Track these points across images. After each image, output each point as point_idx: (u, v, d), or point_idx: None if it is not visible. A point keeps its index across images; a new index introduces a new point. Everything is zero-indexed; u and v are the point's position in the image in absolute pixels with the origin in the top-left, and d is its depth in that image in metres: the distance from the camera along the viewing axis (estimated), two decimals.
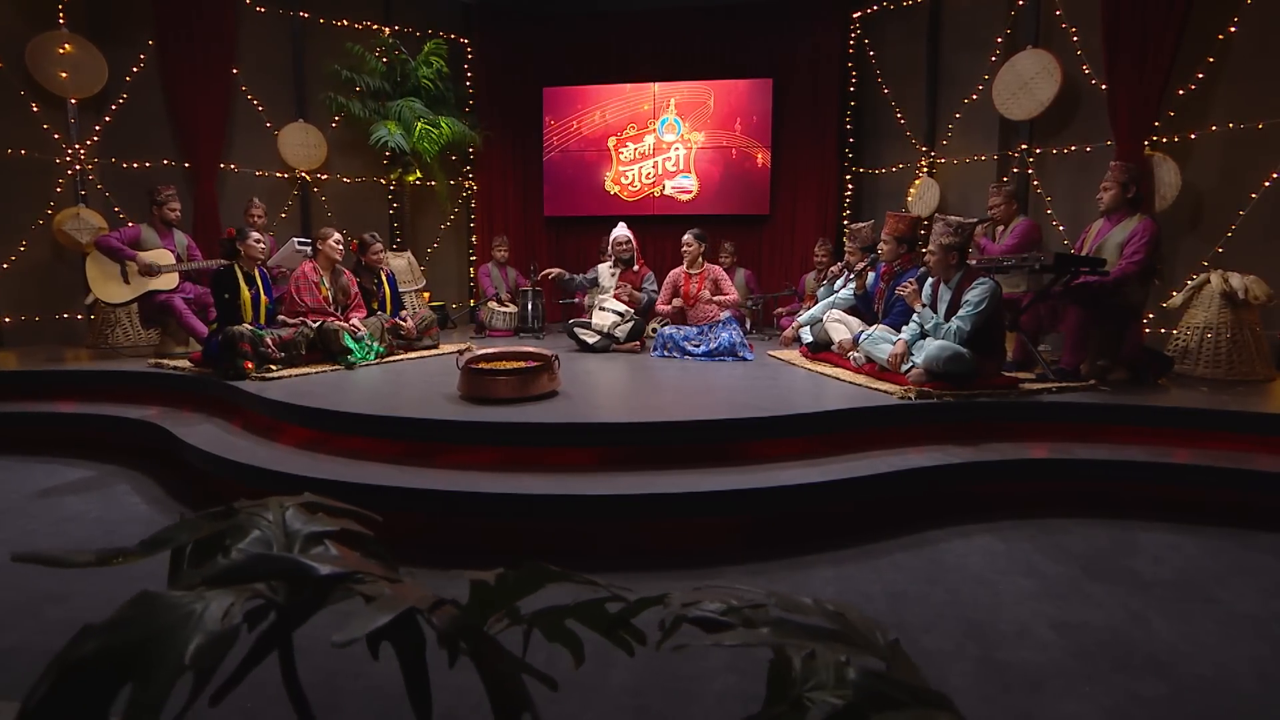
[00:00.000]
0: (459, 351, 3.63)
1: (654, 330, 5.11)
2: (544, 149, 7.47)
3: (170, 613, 0.45)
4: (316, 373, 3.92)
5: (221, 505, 0.70)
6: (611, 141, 7.38)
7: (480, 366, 3.23)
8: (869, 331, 3.87)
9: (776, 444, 2.86)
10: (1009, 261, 3.79)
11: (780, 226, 7.31)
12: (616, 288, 5.31)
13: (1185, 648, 1.81)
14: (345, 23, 6.69)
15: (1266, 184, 4.25)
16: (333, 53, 6.50)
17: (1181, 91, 4.55)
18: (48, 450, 3.58)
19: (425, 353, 4.88)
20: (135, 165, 5.85)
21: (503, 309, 6.32)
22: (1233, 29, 4.36)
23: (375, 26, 6.80)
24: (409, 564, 2.23)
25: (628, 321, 5.09)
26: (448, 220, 7.55)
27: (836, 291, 4.67)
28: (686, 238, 5.09)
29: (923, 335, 3.54)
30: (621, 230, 5.49)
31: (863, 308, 4.49)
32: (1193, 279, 4.18)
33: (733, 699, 1.58)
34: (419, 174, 6.87)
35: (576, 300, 6.14)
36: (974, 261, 3.65)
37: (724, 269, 5.55)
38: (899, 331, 3.72)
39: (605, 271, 5.50)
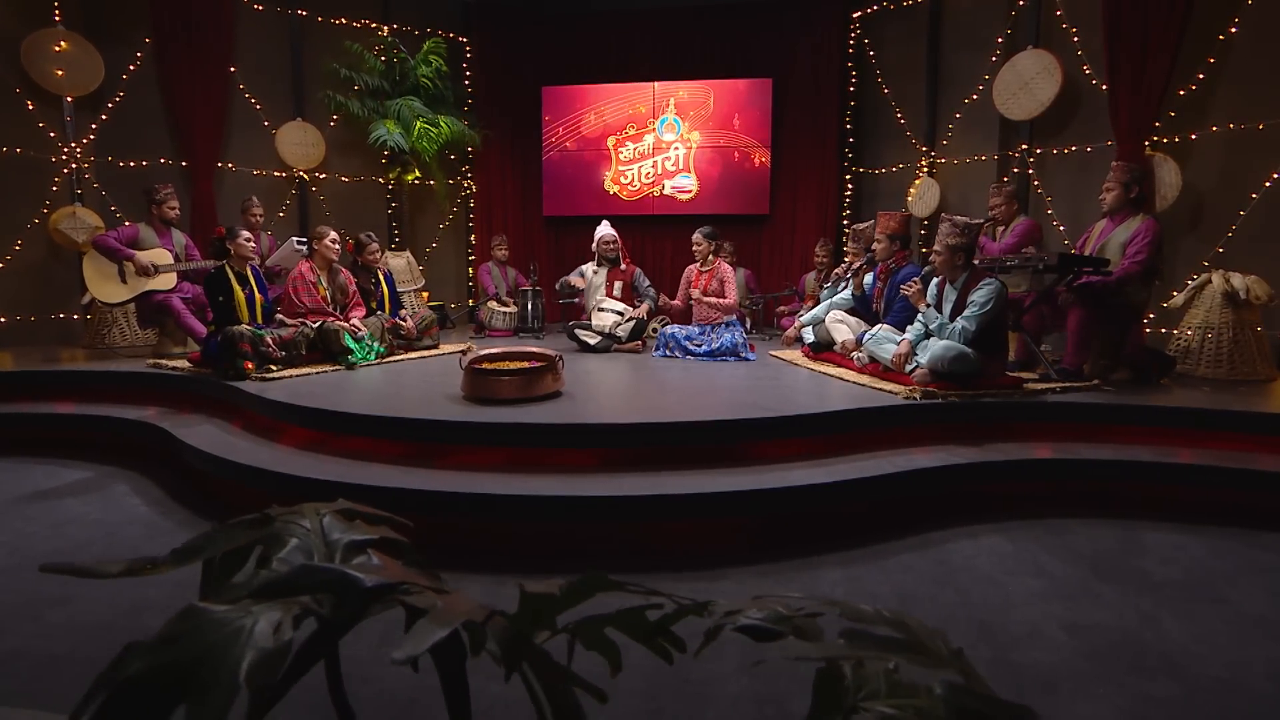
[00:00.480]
0: (461, 352, 3.61)
1: (654, 330, 5.08)
2: (543, 148, 7.45)
3: (218, 629, 0.44)
4: (317, 373, 3.90)
5: (255, 512, 0.68)
6: (611, 141, 7.36)
7: (484, 367, 3.21)
8: (873, 331, 3.87)
9: (781, 444, 2.85)
10: (1012, 261, 3.80)
11: (780, 226, 7.31)
12: (608, 285, 5.25)
13: (1197, 648, 1.80)
14: (344, 21, 6.65)
15: (1267, 184, 4.26)
16: (331, 51, 6.46)
17: (1182, 92, 4.56)
18: (45, 451, 3.55)
19: (426, 353, 4.86)
20: (132, 164, 5.81)
21: (502, 309, 6.29)
22: (1233, 29, 4.37)
23: (374, 25, 6.77)
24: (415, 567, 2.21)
25: (628, 320, 5.07)
26: (446, 220, 7.52)
27: (840, 292, 4.66)
28: (696, 236, 5.02)
29: (927, 335, 3.54)
30: (607, 229, 5.44)
31: (861, 308, 4.48)
32: (1194, 279, 4.19)
33: (747, 701, 1.57)
34: (418, 173, 6.84)
35: (578, 301, 6.11)
36: (976, 261, 3.64)
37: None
38: (902, 331, 3.72)
39: (590, 271, 5.43)
